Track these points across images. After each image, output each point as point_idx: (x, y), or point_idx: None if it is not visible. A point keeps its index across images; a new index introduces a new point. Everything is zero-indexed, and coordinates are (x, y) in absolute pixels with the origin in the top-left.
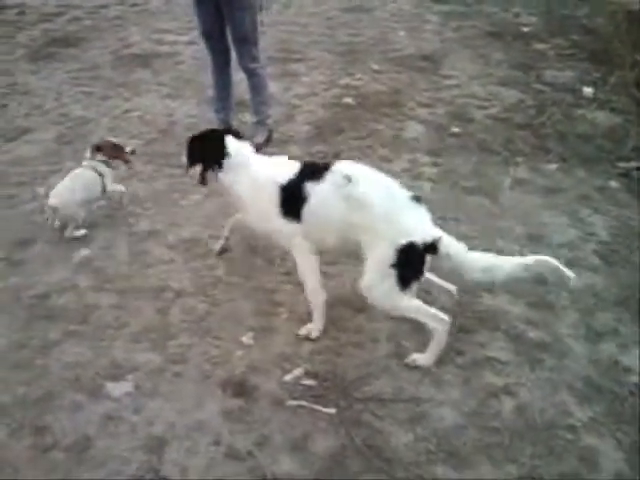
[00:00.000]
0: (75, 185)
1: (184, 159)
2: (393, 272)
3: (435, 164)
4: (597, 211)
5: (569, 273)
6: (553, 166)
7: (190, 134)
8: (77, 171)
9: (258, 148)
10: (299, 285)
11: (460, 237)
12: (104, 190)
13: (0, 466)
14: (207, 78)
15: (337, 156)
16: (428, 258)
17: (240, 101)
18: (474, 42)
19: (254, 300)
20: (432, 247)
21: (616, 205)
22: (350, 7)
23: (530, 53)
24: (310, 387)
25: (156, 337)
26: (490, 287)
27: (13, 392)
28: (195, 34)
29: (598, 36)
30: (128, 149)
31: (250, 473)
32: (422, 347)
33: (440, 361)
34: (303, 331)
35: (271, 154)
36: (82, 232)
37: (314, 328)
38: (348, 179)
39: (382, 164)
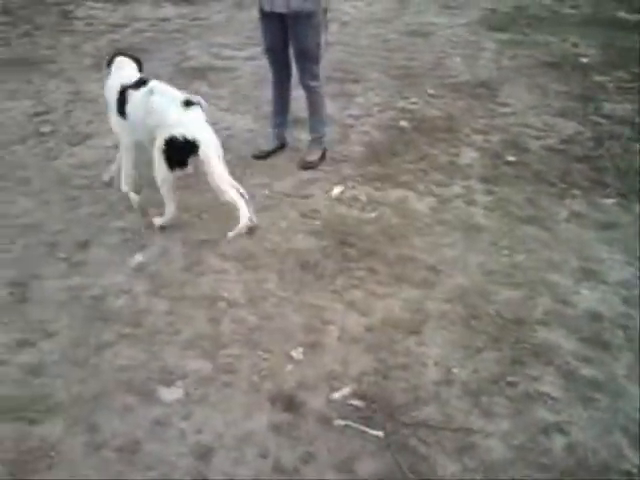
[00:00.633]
0: None
1: None
2: (162, 156)
3: (489, 192)
4: None
5: None
6: (610, 201)
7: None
8: None
9: (312, 166)
10: (350, 304)
11: (513, 267)
12: None
13: (58, 460)
14: (264, 94)
15: (390, 178)
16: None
17: (296, 118)
18: (531, 71)
19: (304, 315)
20: (192, 145)
21: None
22: (407, 31)
23: (589, 85)
24: (358, 408)
25: (207, 346)
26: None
27: (69, 389)
28: (253, 50)
29: None
30: None
31: None
32: (472, 375)
33: (491, 391)
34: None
35: (325, 172)
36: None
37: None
38: (150, 92)
39: (435, 188)
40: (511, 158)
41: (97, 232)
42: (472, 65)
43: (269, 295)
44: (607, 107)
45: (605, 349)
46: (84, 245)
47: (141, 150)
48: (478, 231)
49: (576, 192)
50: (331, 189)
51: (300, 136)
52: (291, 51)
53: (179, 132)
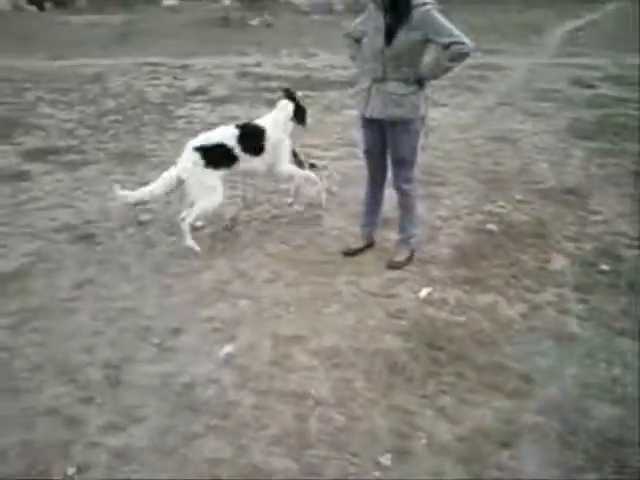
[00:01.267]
0: None
1: None
2: None
3: (582, 300)
4: None
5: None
6: None
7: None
8: None
9: (399, 266)
10: (440, 411)
11: (611, 381)
12: None
13: None
14: (352, 193)
15: (479, 282)
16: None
17: (385, 218)
18: (620, 180)
19: (392, 419)
20: None
21: None
22: (493, 137)
23: None
24: None
25: (293, 444)
26: None
27: (157, 478)
28: (341, 150)
29: None
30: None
31: None
32: None
33: None
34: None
35: (412, 272)
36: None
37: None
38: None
39: (526, 294)
40: (604, 267)
41: (188, 320)
42: (559, 172)
43: (357, 395)
44: None
45: None
46: (175, 332)
47: None
48: (572, 341)
49: None
50: (419, 290)
51: (388, 236)
52: (388, 155)
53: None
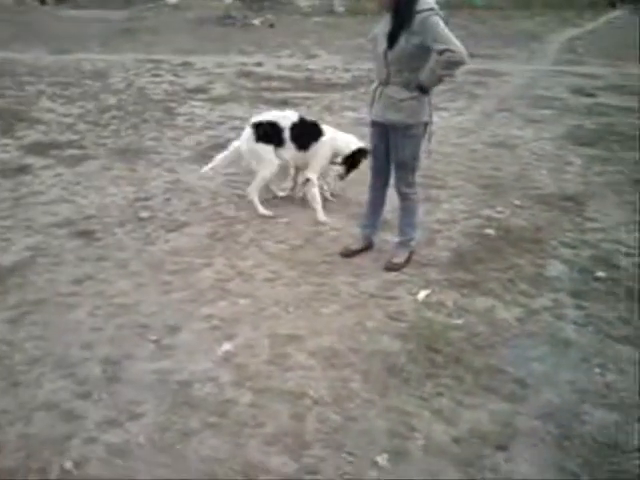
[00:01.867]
0: None
1: None
2: None
3: (579, 306)
4: None
5: None
6: None
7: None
8: None
9: (397, 268)
10: (437, 412)
11: (606, 387)
12: None
13: None
14: (352, 194)
15: (477, 285)
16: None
17: (383, 220)
18: (619, 188)
19: (389, 420)
20: None
21: None
22: (492, 142)
23: None
24: None
25: (290, 443)
26: None
27: (154, 474)
28: None
29: None
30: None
31: None
32: None
33: None
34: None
35: (410, 275)
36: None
37: None
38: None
39: (522, 298)
40: (601, 274)
41: (187, 317)
42: (558, 178)
43: (354, 396)
44: None
45: None
46: (174, 329)
47: None
48: (568, 346)
49: None
50: (417, 292)
51: (386, 237)
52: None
53: None
